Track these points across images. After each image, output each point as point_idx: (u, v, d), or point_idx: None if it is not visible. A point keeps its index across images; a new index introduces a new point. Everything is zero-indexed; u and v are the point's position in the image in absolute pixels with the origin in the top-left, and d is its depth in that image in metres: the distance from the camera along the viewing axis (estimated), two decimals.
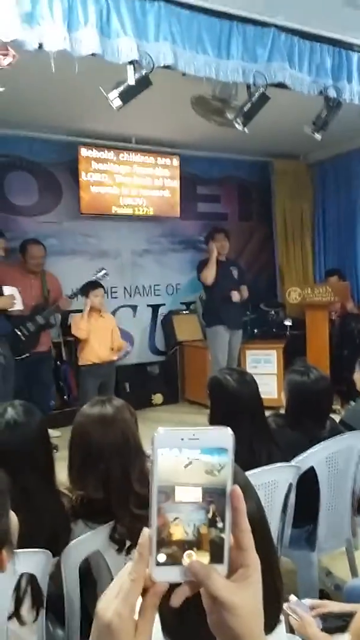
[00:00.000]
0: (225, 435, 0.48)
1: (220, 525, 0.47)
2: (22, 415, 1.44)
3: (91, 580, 1.38)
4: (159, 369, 5.72)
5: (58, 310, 4.48)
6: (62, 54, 2.51)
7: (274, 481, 1.70)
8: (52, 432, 4.38)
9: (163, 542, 0.47)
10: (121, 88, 2.77)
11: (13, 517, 0.91)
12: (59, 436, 4.27)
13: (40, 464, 1.42)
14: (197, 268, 4.98)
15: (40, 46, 2.46)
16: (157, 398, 5.61)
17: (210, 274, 4.71)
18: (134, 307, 5.83)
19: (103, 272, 4.46)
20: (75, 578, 1.31)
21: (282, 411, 2.15)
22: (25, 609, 1.25)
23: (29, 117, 4.54)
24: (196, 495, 0.47)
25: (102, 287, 4.35)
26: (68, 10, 2.49)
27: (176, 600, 0.46)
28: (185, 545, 0.47)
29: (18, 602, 1.23)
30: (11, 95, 2.55)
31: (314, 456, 1.85)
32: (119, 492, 1.35)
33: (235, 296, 4.72)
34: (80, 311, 4.45)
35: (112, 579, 1.29)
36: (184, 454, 0.47)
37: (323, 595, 1.95)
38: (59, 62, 2.53)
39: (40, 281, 4.44)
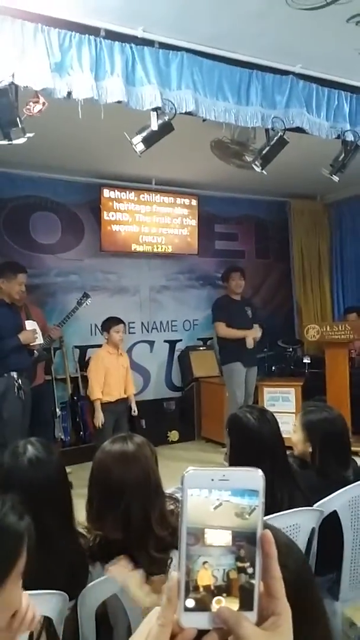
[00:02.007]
0: (255, 477, 0.47)
1: (250, 570, 0.46)
2: (43, 452, 1.43)
3: (107, 624, 1.33)
4: (176, 405, 5.67)
5: (50, 341, 4.46)
6: (88, 101, 2.64)
7: (295, 525, 1.65)
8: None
9: (192, 586, 0.46)
10: (144, 133, 2.88)
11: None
12: (69, 473, 4.22)
13: (60, 502, 1.41)
14: (212, 308, 4.99)
15: (69, 94, 2.59)
16: (174, 435, 5.54)
17: (226, 333, 4.70)
18: (151, 343, 5.85)
19: (87, 299, 4.47)
20: (92, 622, 1.27)
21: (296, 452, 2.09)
22: None
23: (54, 160, 4.72)
24: (226, 538, 0.46)
25: (123, 322, 4.38)
26: (96, 60, 2.63)
27: None
28: (214, 590, 0.46)
29: None
30: (38, 139, 2.66)
31: (337, 499, 1.80)
32: (138, 533, 1.32)
33: (250, 342, 4.69)
34: (98, 346, 4.48)
35: (129, 624, 1.25)
36: (214, 495, 0.47)
37: None
38: (85, 108, 2.66)
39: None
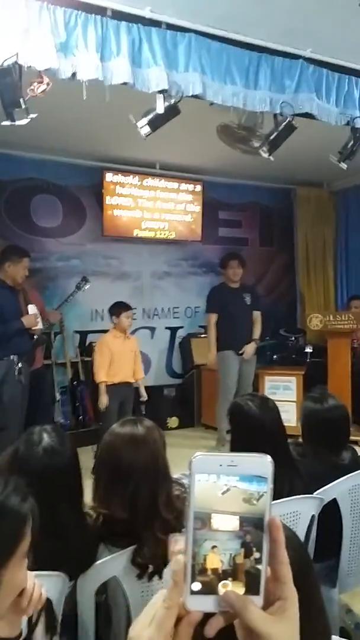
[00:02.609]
0: (264, 464, 0.47)
1: (257, 555, 0.46)
2: (58, 441, 1.43)
3: (106, 606, 1.35)
4: (176, 392, 5.69)
5: (49, 325, 4.44)
6: (93, 82, 2.59)
7: (295, 512, 1.66)
8: None
9: (198, 570, 0.46)
10: (150, 116, 2.84)
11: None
12: None
13: (73, 489, 1.42)
14: (207, 297, 4.97)
15: (74, 75, 2.55)
16: (173, 421, 5.57)
17: (209, 332, 4.76)
18: (152, 329, 5.85)
19: (86, 283, 4.45)
20: (91, 603, 1.28)
21: (301, 439, 2.12)
22: (39, 634, 1.22)
23: (57, 142, 4.67)
24: (233, 523, 0.46)
25: (132, 308, 4.35)
26: (102, 40, 2.58)
27: (210, 630, 0.45)
28: (220, 574, 0.46)
29: (31, 626, 1.21)
30: (41, 121, 2.63)
31: (336, 488, 1.81)
32: (145, 514, 1.33)
33: (248, 353, 4.69)
34: (103, 331, 4.48)
35: (127, 607, 1.26)
36: (222, 480, 0.46)
37: (343, 633, 1.88)
38: (89, 89, 2.62)
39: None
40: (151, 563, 1.27)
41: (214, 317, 4.74)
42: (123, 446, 1.41)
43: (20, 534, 0.85)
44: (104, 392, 4.13)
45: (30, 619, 1.20)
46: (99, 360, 4.22)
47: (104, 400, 4.12)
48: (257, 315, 4.88)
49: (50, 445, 1.41)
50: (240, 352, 4.68)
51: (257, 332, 4.85)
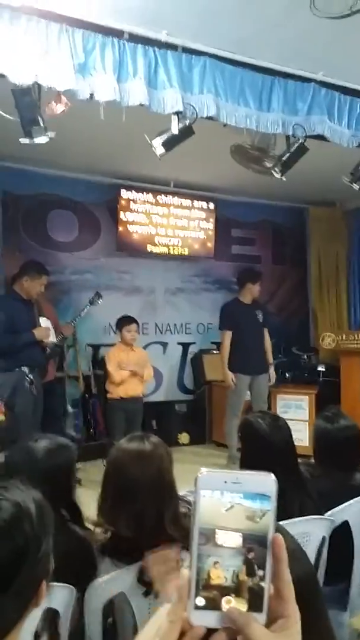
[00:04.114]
0: (268, 482, 0.48)
1: (260, 573, 0.46)
2: (55, 446, 1.45)
3: (113, 621, 1.34)
4: (187, 408, 5.67)
5: (63, 338, 4.48)
6: (110, 103, 2.66)
7: (305, 533, 1.64)
8: None
9: (202, 585, 0.46)
10: (165, 137, 2.90)
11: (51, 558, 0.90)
12: (78, 468, 4.24)
13: (68, 495, 1.42)
14: (220, 314, 4.92)
15: (92, 96, 2.62)
16: (184, 437, 5.54)
17: (223, 352, 4.74)
18: (165, 344, 5.86)
19: (99, 298, 4.50)
20: (99, 618, 1.28)
21: (313, 459, 2.10)
22: None
23: (74, 159, 4.77)
24: (236, 540, 0.47)
25: (136, 322, 4.39)
26: (119, 62, 2.65)
27: None
28: (224, 590, 0.46)
29: (36, 638, 1.21)
30: (60, 139, 2.70)
31: (348, 509, 1.78)
32: (150, 533, 1.33)
33: (272, 379, 4.77)
34: (111, 345, 4.51)
35: (135, 624, 1.25)
36: (226, 497, 0.47)
37: None
38: (106, 109, 2.68)
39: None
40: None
41: (228, 336, 4.69)
42: (129, 462, 1.41)
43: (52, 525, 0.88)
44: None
45: (36, 631, 1.20)
46: (112, 368, 4.26)
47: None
48: (266, 333, 4.86)
49: (48, 449, 1.44)
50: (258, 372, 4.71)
51: (270, 353, 4.85)
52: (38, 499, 0.88)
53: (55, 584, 1.18)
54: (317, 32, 2.75)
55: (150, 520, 1.34)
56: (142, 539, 1.33)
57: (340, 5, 2.55)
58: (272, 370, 4.80)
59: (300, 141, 3.11)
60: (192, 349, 5.97)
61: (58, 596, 1.20)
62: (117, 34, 2.67)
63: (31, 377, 3.78)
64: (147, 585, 1.28)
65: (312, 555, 1.69)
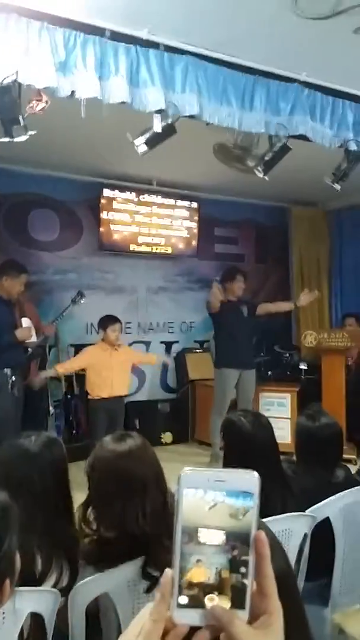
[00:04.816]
0: (251, 479, 0.48)
1: (242, 570, 0.47)
2: (39, 446, 1.44)
3: (98, 622, 1.33)
4: (170, 407, 5.67)
5: (45, 339, 4.44)
6: (91, 101, 2.64)
7: (287, 530, 1.65)
8: None
9: (185, 583, 0.47)
10: (147, 135, 2.89)
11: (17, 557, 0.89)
12: None
13: (58, 496, 1.41)
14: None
15: (73, 93, 2.59)
16: (167, 437, 5.54)
17: (213, 306, 4.69)
18: (147, 344, 5.85)
19: (81, 297, 4.48)
20: (82, 620, 1.27)
21: (295, 457, 2.12)
22: None
23: (55, 157, 4.72)
24: (219, 538, 0.47)
25: (120, 322, 4.38)
26: (100, 60, 2.63)
27: None
28: (206, 588, 0.47)
29: None
30: (40, 137, 2.67)
31: (329, 506, 1.81)
32: (154, 525, 1.30)
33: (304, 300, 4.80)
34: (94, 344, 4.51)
35: (119, 623, 1.25)
36: (209, 495, 0.47)
37: None
38: (88, 107, 2.66)
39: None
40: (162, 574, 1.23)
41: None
42: (123, 461, 1.38)
43: (16, 525, 0.87)
44: (52, 373, 4.27)
45: (21, 634, 1.19)
46: (79, 359, 4.32)
47: (42, 375, 4.25)
48: (262, 305, 4.89)
49: (32, 450, 1.43)
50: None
51: (278, 305, 4.92)
52: (1, 499, 0.87)
53: (38, 588, 1.17)
54: (300, 33, 2.77)
55: (155, 511, 1.32)
56: (147, 534, 1.30)
57: (323, 7, 2.57)
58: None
59: (282, 141, 3.13)
60: (175, 348, 5.97)
61: (42, 601, 1.19)
62: (99, 32, 2.65)
63: (13, 379, 3.75)
64: (151, 579, 1.25)
65: (294, 552, 1.71)
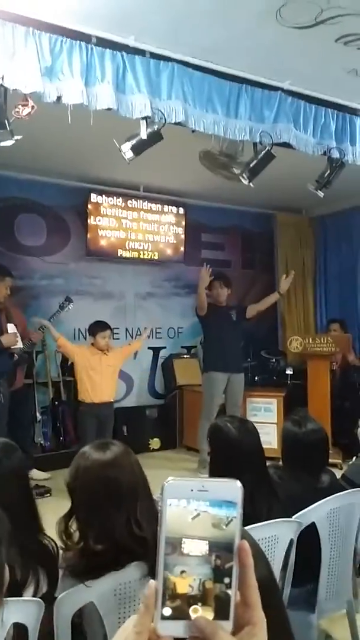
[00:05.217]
0: (233, 488, 0.48)
1: (226, 580, 0.47)
2: (1, 455, 1.42)
3: (83, 632, 1.32)
4: (158, 412, 5.66)
5: (32, 345, 4.41)
6: (78, 106, 2.64)
7: (274, 536, 1.65)
8: (40, 474, 4.30)
9: (169, 595, 0.46)
10: (133, 141, 2.90)
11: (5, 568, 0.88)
12: (47, 478, 4.18)
13: (17, 505, 1.38)
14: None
15: (59, 99, 2.59)
16: (155, 442, 5.52)
17: (200, 301, 4.68)
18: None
19: (69, 303, 4.47)
20: (68, 630, 1.26)
21: (281, 462, 2.13)
22: None
23: (42, 162, 4.71)
24: (203, 548, 0.47)
25: (110, 328, 4.36)
26: (86, 66, 2.64)
27: None
28: (190, 599, 0.46)
29: None
30: (27, 141, 2.66)
31: (315, 511, 1.81)
32: (146, 536, 1.28)
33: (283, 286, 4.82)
34: None
35: (104, 633, 1.23)
36: (192, 505, 0.47)
37: None
38: (74, 113, 2.66)
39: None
40: None
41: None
42: (106, 470, 1.36)
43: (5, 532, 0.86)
44: (52, 330, 4.23)
45: None
46: (74, 348, 4.30)
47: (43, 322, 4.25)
48: (250, 308, 4.90)
49: None
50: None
51: (265, 300, 4.92)
52: None
53: (22, 598, 1.15)
54: (283, 41, 2.81)
55: (146, 519, 1.31)
56: (138, 544, 1.28)
57: (305, 16, 2.61)
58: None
59: (267, 148, 3.16)
60: (163, 354, 5.96)
61: (25, 611, 1.18)
62: (85, 38, 2.66)
63: None
64: None
65: (280, 558, 1.71)
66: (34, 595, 1.28)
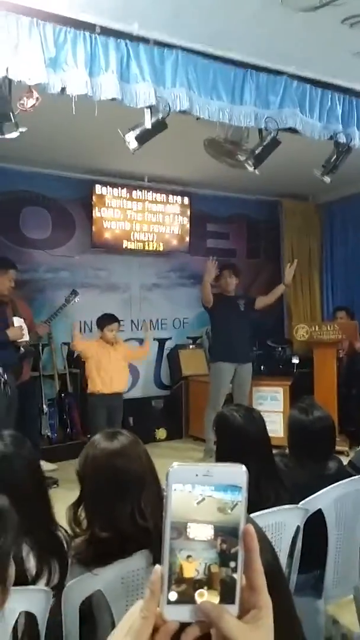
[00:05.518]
0: (239, 473, 0.48)
1: (232, 564, 0.47)
2: (11, 447, 1.43)
3: (92, 620, 1.33)
4: (164, 403, 5.68)
5: (38, 338, 4.43)
6: (82, 97, 2.63)
7: (280, 523, 1.66)
8: (48, 466, 4.35)
9: (174, 580, 0.47)
10: (138, 131, 2.88)
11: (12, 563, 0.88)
12: (54, 469, 4.22)
13: (32, 496, 1.39)
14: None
15: (63, 90, 2.58)
16: (161, 433, 5.55)
17: (205, 293, 4.68)
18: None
19: (75, 296, 4.48)
20: (76, 618, 1.27)
21: (287, 450, 2.13)
22: None
23: (47, 155, 4.70)
24: (208, 533, 0.47)
25: (118, 321, 4.38)
26: (90, 56, 2.62)
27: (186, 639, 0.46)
28: (196, 584, 0.47)
29: None
30: (31, 133, 2.65)
31: (322, 498, 1.82)
32: (156, 519, 1.29)
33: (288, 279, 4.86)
34: None
35: (112, 621, 1.25)
36: (197, 490, 0.47)
37: None
38: (78, 103, 2.65)
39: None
40: None
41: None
42: (116, 459, 1.37)
43: (14, 529, 0.86)
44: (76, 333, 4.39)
45: (15, 633, 1.19)
46: (83, 344, 4.39)
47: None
48: (259, 300, 4.90)
49: (2, 451, 1.41)
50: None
51: (272, 293, 4.92)
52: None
53: (30, 587, 1.17)
54: (288, 25, 2.77)
55: (152, 506, 1.32)
56: (146, 531, 1.29)
57: None
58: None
59: (272, 134, 3.13)
60: (169, 345, 5.97)
61: (34, 600, 1.19)
62: (89, 27, 2.63)
63: (5, 378, 3.73)
64: None
65: (287, 545, 1.72)
66: (46, 586, 1.29)
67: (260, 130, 3.22)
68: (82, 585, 1.28)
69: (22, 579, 1.21)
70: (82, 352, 4.36)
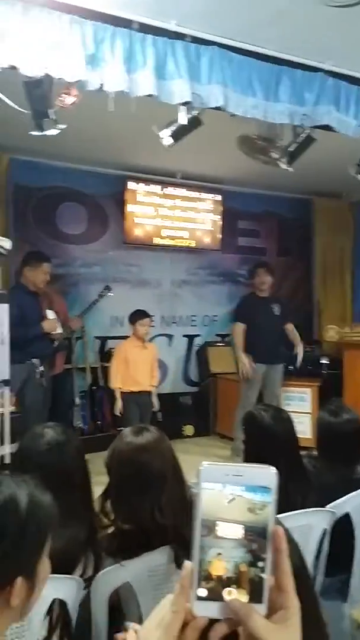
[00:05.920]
0: (269, 475, 0.49)
1: (260, 564, 0.48)
2: (62, 435, 1.46)
3: (120, 611, 1.36)
4: (192, 400, 5.69)
5: (71, 331, 4.48)
6: (118, 94, 2.65)
7: (307, 525, 1.65)
8: None
9: (204, 576, 0.48)
10: (173, 127, 2.88)
11: (46, 562, 0.88)
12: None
13: (79, 485, 1.42)
14: (236, 306, 5.03)
15: (101, 87, 2.60)
16: (188, 429, 5.57)
17: (237, 341, 4.75)
18: (170, 337, 5.87)
19: (108, 291, 4.52)
20: (105, 608, 1.29)
21: (316, 452, 2.11)
22: (55, 637, 1.24)
23: (83, 151, 4.76)
24: (238, 532, 0.48)
25: (149, 316, 4.40)
26: (128, 53, 2.63)
27: (214, 636, 0.47)
28: (225, 581, 0.48)
29: (51, 629, 1.22)
30: (68, 131, 2.69)
31: (350, 502, 1.79)
32: (174, 517, 1.30)
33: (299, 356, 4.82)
34: (123, 337, 4.53)
35: (140, 614, 1.26)
36: (228, 489, 0.48)
37: None
38: (113, 101, 2.67)
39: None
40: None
41: (241, 327, 4.72)
42: (145, 454, 1.39)
43: (50, 525, 0.88)
44: (119, 398, 4.19)
45: (50, 621, 1.22)
46: (113, 366, 4.32)
47: (118, 405, 4.19)
48: (290, 327, 4.88)
49: (55, 439, 1.44)
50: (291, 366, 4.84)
51: (297, 342, 4.89)
52: (33, 495, 0.87)
53: (63, 575, 1.19)
54: (324, 21, 2.71)
55: (175, 503, 1.33)
56: (167, 527, 1.31)
57: None
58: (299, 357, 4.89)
59: (307, 132, 3.08)
60: (198, 341, 5.98)
61: (65, 589, 1.22)
62: (127, 24, 2.65)
63: (41, 369, 3.82)
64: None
65: (313, 547, 1.71)
66: (81, 577, 1.32)
67: (294, 127, 3.17)
68: (110, 576, 1.30)
69: (57, 568, 1.23)
70: (121, 363, 4.30)
